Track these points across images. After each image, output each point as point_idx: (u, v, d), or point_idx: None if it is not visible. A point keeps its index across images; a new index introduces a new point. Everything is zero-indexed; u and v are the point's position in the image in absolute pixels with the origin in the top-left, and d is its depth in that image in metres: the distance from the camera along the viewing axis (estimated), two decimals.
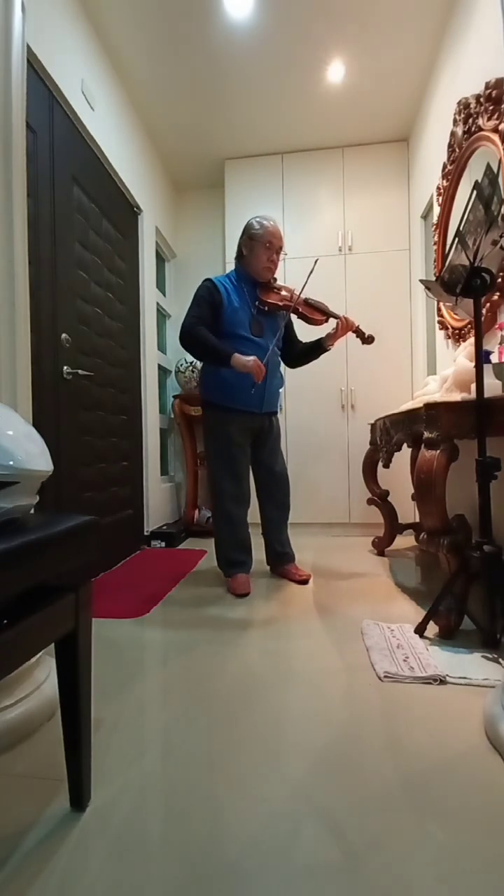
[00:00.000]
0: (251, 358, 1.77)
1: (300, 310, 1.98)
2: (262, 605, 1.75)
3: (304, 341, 2.14)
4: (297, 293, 1.96)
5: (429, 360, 2.76)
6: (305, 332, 2.15)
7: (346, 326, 1.96)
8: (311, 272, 1.91)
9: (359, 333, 1.99)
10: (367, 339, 2.00)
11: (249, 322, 1.91)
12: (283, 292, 2.00)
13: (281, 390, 2.12)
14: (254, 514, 2.07)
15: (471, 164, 1.98)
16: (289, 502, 2.13)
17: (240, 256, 1.99)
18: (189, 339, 1.82)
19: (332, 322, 2.01)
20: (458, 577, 1.35)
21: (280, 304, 1.94)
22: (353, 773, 0.84)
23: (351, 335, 2.01)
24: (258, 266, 1.93)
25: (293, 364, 2.17)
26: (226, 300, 1.88)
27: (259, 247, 1.91)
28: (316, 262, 2.01)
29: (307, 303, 1.99)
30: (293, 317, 2.04)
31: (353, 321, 1.97)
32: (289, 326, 2.11)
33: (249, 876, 0.64)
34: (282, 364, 2.13)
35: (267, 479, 2.08)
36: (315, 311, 2.00)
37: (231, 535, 1.96)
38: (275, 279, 2.02)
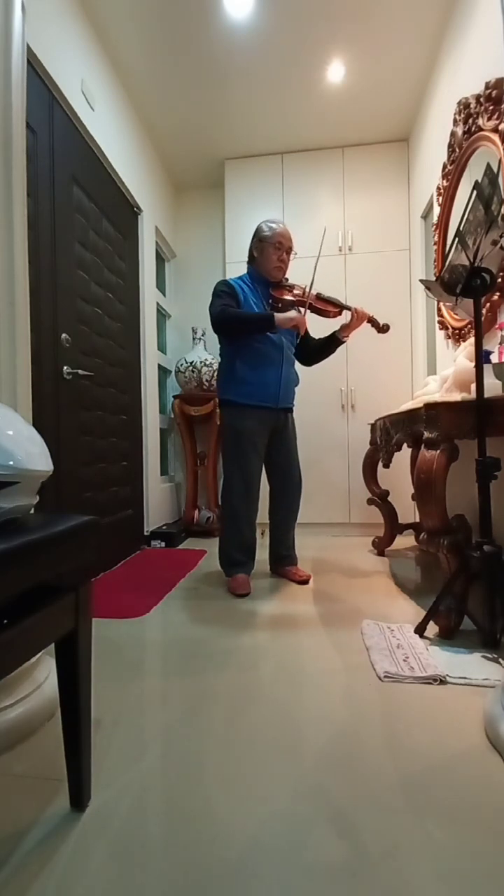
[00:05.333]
0: (291, 312, 1.89)
1: (313, 304, 2.01)
2: (262, 605, 1.75)
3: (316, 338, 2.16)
4: (309, 288, 2.00)
5: (429, 360, 2.76)
6: (320, 328, 2.17)
7: (360, 316, 2.00)
8: (322, 242, 2.01)
9: (373, 323, 2.03)
10: (383, 328, 2.04)
11: None
12: (296, 290, 2.05)
13: (297, 388, 2.14)
14: (262, 514, 2.09)
15: (471, 164, 1.99)
16: (298, 507, 2.15)
17: (251, 259, 2.04)
18: (223, 320, 1.88)
19: (346, 315, 2.04)
20: (458, 577, 1.35)
21: (293, 300, 1.98)
22: (353, 773, 0.84)
23: (366, 325, 2.03)
24: (269, 266, 1.98)
25: (309, 361, 2.19)
26: (242, 299, 1.93)
27: (269, 248, 1.97)
28: (325, 230, 2.07)
29: (319, 297, 2.03)
30: (308, 313, 2.06)
31: (366, 311, 2.01)
32: None
33: (250, 876, 0.64)
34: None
35: (280, 482, 2.10)
36: (328, 305, 2.03)
37: (234, 534, 1.96)
38: (286, 279, 2.06)
